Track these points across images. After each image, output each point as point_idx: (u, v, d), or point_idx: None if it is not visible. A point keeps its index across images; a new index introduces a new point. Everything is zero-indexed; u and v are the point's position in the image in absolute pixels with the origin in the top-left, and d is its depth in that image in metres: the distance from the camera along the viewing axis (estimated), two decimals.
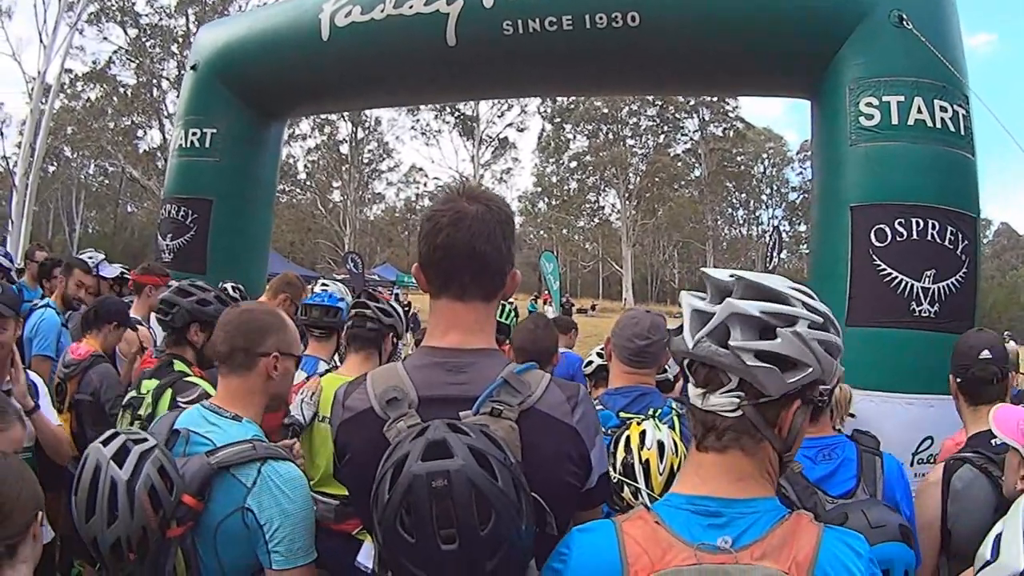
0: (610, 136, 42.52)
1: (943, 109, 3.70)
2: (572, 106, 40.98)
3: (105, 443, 1.57)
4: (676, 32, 4.33)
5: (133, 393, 2.62)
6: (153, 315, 4.19)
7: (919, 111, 3.69)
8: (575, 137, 44.38)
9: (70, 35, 19.29)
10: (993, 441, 2.03)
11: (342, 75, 5.27)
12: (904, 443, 3.58)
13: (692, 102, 40.14)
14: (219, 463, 1.62)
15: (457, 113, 34.40)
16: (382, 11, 4.88)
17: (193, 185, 5.51)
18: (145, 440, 1.59)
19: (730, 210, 50.55)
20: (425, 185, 42.98)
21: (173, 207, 5.54)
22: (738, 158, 43.58)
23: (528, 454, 1.33)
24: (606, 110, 40.97)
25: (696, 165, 44.30)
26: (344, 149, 31.93)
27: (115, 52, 24.86)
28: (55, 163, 27.87)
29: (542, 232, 51.39)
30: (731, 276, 1.16)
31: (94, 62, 25.19)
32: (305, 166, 31.45)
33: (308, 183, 33.94)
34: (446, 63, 4.87)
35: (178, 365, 2.62)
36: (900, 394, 3.60)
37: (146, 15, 24.89)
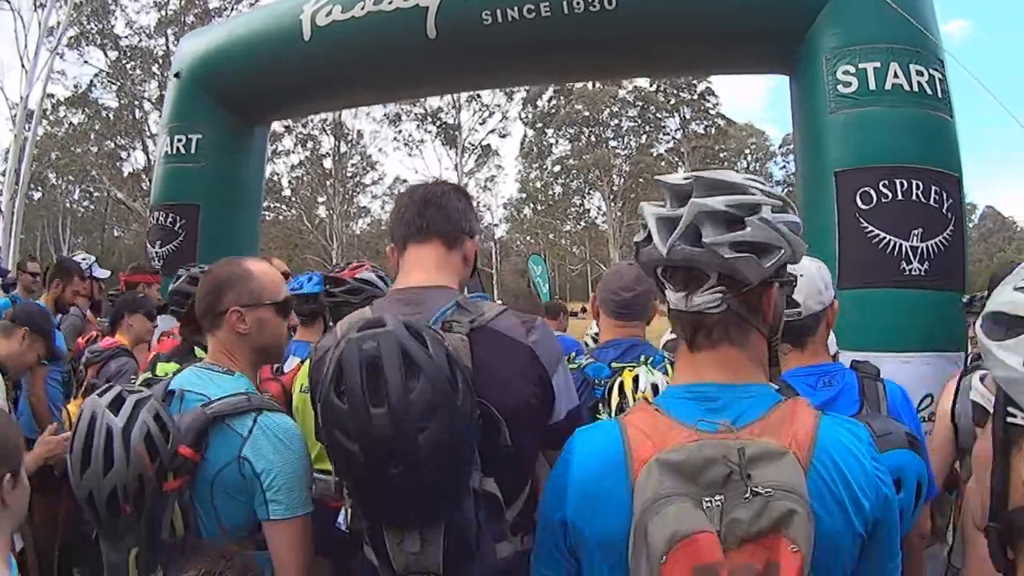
0: (592, 139, 42.60)
1: (919, 73, 3.77)
2: (553, 111, 41.05)
3: (101, 394, 1.58)
4: (652, 13, 4.37)
5: (148, 375, 2.62)
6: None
7: (895, 76, 3.76)
8: (557, 141, 44.38)
9: (51, 59, 19.19)
10: None
11: (325, 74, 5.29)
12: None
13: (672, 101, 40.29)
14: (214, 413, 1.62)
15: (439, 122, 34.47)
16: (362, 8, 4.91)
17: (180, 191, 5.51)
18: (141, 391, 1.60)
19: None
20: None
21: (161, 214, 5.54)
22: (721, 155, 43.72)
23: (480, 368, 1.38)
24: (587, 113, 41.07)
25: (680, 164, 44.36)
26: (328, 164, 31.91)
27: (96, 75, 24.72)
28: (40, 189, 27.64)
29: (528, 238, 51.36)
30: (686, 178, 1.17)
31: (76, 86, 25.03)
32: (289, 182, 31.36)
33: (293, 199, 33.88)
34: (427, 56, 4.90)
35: (199, 352, 2.61)
36: (896, 353, 3.63)
37: (126, 37, 24.71)
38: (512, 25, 4.57)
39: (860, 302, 3.72)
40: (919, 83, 3.77)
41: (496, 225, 41.33)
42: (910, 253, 3.65)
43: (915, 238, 3.64)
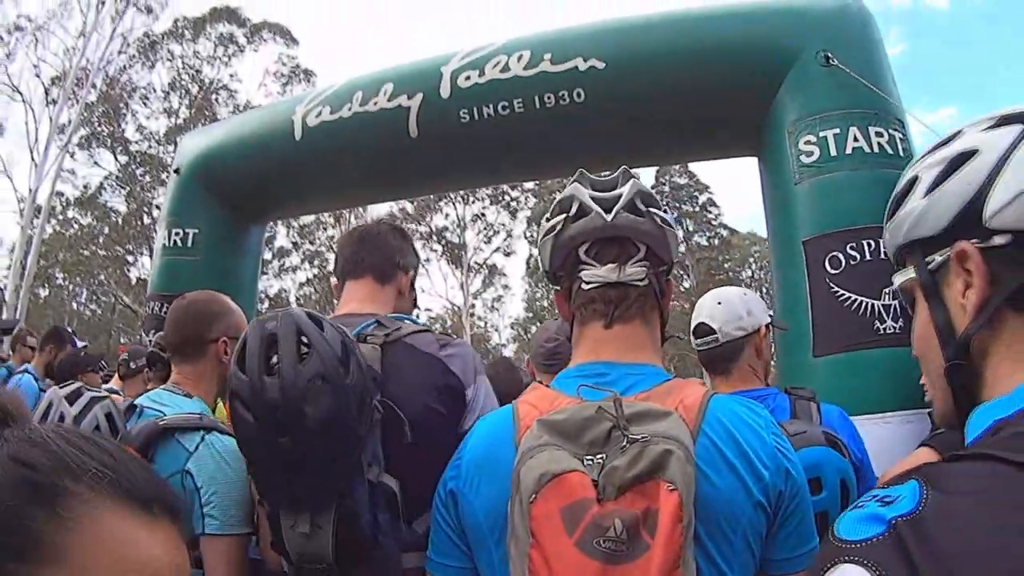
0: None
1: (879, 134, 3.90)
2: None
3: (62, 387, 1.67)
4: (619, 104, 4.58)
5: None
6: None
7: (855, 139, 3.89)
8: None
9: (60, 157, 19.82)
10: None
11: (315, 174, 5.51)
12: (889, 463, 3.53)
13: (675, 214, 41.17)
14: (165, 425, 1.68)
15: (444, 241, 35.23)
16: (350, 109, 5.20)
17: (175, 283, 5.60)
18: (100, 392, 1.68)
19: None
20: (417, 317, 42.79)
21: (156, 304, 5.65)
22: (725, 265, 44.23)
23: (390, 373, 1.49)
24: None
25: (684, 277, 44.82)
26: (334, 281, 32.30)
27: (105, 178, 25.35)
28: (47, 287, 27.86)
29: (510, 356, 51.20)
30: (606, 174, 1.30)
31: (85, 187, 25.54)
32: (297, 299, 31.77)
33: None
34: (410, 155, 5.12)
35: None
36: (876, 415, 3.59)
37: (136, 141, 25.47)
38: (488, 122, 4.80)
39: (837, 367, 3.73)
40: (879, 144, 3.88)
41: (504, 345, 41.29)
42: (883, 312, 3.67)
43: (887, 296, 3.67)
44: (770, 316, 2.11)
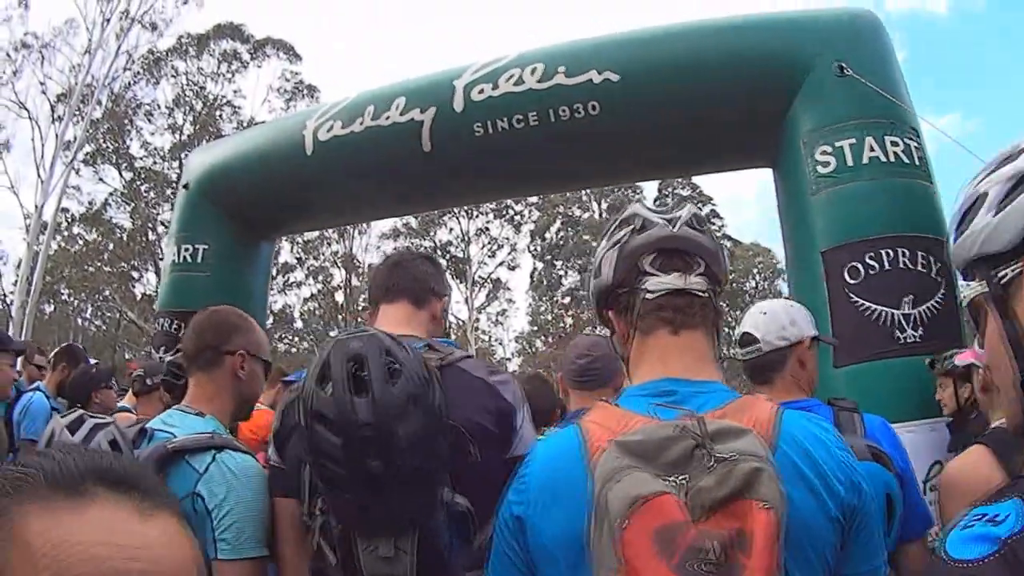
0: None
1: (894, 144, 3.89)
2: (562, 243, 41.91)
3: (64, 416, 1.62)
4: (635, 116, 4.56)
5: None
6: None
7: (871, 149, 3.87)
8: (567, 273, 45.03)
9: (66, 173, 19.87)
10: None
11: (326, 188, 5.47)
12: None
13: None
14: (175, 447, 1.62)
15: (448, 255, 35.17)
16: (361, 123, 5.16)
17: (185, 299, 5.58)
18: (103, 418, 1.62)
19: (726, 329, 50.53)
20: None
21: (166, 320, 5.64)
22: (730, 275, 44.02)
23: (448, 395, 1.47)
24: (595, 243, 41.65)
25: None
26: (339, 297, 32.33)
27: (110, 194, 25.38)
28: (52, 303, 27.79)
29: (541, 371, 50.96)
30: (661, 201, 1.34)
31: (90, 203, 25.54)
32: (301, 315, 31.71)
33: (305, 331, 34.11)
34: (423, 169, 5.08)
35: None
36: (899, 424, 3.53)
37: (140, 158, 25.50)
38: (503, 135, 4.75)
39: (858, 377, 3.69)
40: (895, 153, 3.87)
41: (508, 359, 41.20)
42: (903, 321, 3.64)
43: (907, 305, 3.65)
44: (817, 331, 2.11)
